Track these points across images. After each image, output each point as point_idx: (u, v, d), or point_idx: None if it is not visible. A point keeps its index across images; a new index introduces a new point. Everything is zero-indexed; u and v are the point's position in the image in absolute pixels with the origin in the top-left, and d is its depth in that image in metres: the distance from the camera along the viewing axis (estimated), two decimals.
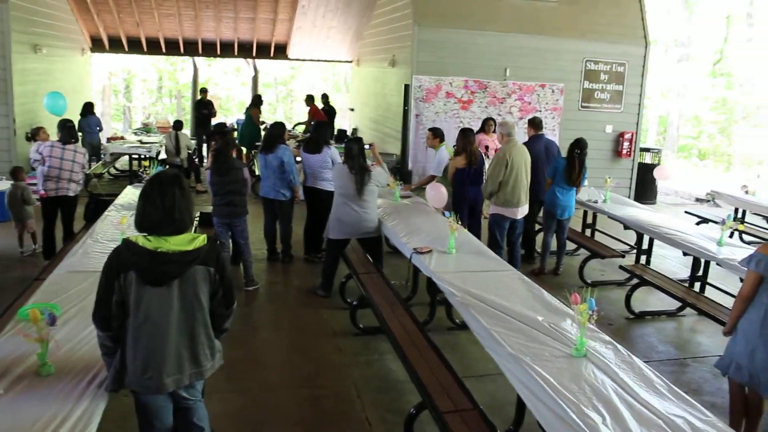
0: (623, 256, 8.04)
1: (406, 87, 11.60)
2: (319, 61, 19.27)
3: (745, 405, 4.45)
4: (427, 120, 11.04)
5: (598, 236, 9.37)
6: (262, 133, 11.63)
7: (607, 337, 3.98)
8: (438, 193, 7.12)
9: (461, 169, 7.43)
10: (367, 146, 7.16)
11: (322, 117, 13.50)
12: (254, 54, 17.73)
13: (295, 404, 4.71)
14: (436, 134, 8.03)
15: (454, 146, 7.87)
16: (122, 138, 15.30)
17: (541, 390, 3.27)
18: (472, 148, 7.44)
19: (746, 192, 10.54)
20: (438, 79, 11.19)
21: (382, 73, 14.05)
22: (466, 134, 7.56)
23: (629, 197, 12.00)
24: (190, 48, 17.28)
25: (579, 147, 7.62)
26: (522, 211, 7.23)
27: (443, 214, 6.37)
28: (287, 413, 4.58)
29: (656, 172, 10.33)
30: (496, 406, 4.54)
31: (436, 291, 5.46)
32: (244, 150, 12.14)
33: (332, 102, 15.20)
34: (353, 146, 6.59)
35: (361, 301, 5.92)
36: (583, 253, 8.29)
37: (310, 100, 14.17)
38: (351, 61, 18.42)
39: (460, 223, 5.79)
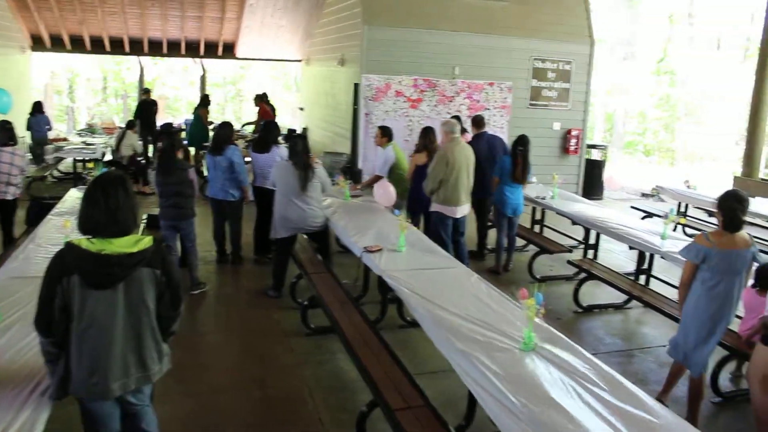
0: (571, 251, 8.16)
1: (356, 86, 11.59)
2: (268, 60, 19.13)
3: (688, 388, 4.76)
4: (377, 119, 11.04)
5: (546, 232, 9.51)
6: (211, 133, 11.49)
7: (555, 331, 4.05)
8: (386, 191, 7.15)
9: (421, 166, 7.46)
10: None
11: (271, 116, 13.39)
12: (202, 53, 17.50)
13: (246, 406, 4.66)
14: (385, 133, 8.04)
15: (416, 144, 7.90)
16: (65, 139, 14.94)
17: (490, 384, 3.30)
18: (433, 146, 7.47)
19: (688, 186, 10.84)
20: (387, 78, 11.21)
21: (332, 72, 14.01)
22: (427, 132, 7.60)
23: (577, 193, 12.19)
24: (136, 47, 16.96)
25: (521, 144, 7.73)
26: (462, 210, 7.25)
27: (393, 212, 6.38)
28: (238, 415, 4.54)
29: (607, 183, 10.72)
30: (448, 402, 4.57)
31: (387, 289, 5.45)
32: (193, 151, 11.98)
33: (272, 101, 15.03)
34: (298, 142, 6.62)
35: (312, 301, 5.89)
36: (533, 248, 8.39)
37: (259, 99, 14.04)
38: (301, 60, 18.32)
39: (410, 220, 5.81)
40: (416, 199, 7.53)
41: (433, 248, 5.88)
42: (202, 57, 17.87)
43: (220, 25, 16.38)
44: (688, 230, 10.26)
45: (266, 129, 7.99)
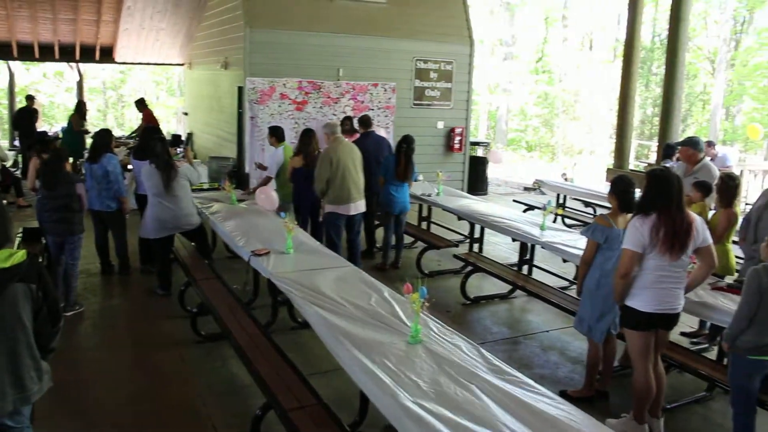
0: (457, 246, 8.43)
1: (240, 89, 11.47)
2: (148, 64, 18.57)
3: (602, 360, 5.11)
4: (263, 122, 10.96)
5: (433, 228, 9.75)
6: (89, 141, 11.05)
7: (443, 323, 4.20)
8: (268, 196, 7.16)
9: (298, 169, 7.49)
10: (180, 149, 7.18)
11: (155, 122, 13.04)
12: (78, 57, 16.76)
13: (136, 421, 4.55)
14: (274, 133, 8.06)
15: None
16: None
17: (379, 380, 3.39)
18: (309, 149, 7.51)
19: (566, 179, 11.38)
20: (272, 81, 11.15)
21: (216, 76, 13.79)
22: (305, 135, 7.64)
23: (462, 189, 12.55)
24: (4, 51, 16.04)
25: (405, 143, 7.92)
26: (356, 207, 7.36)
27: (279, 215, 6.39)
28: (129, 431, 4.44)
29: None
30: (341, 400, 4.62)
31: (277, 292, 5.47)
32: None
33: (151, 105, 14.63)
34: (157, 146, 6.72)
35: (202, 308, 5.82)
36: (421, 245, 8.59)
37: (141, 104, 13.64)
38: (183, 64, 17.90)
39: (297, 223, 5.85)
40: (301, 201, 7.57)
41: (320, 249, 5.95)
42: (78, 61, 17.11)
43: (97, 28, 15.74)
44: (567, 221, 10.80)
45: (146, 135, 7.81)
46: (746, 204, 11.50)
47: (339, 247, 7.25)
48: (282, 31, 11.33)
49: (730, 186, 5.90)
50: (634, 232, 4.23)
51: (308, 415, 3.67)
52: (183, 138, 15.10)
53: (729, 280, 5.53)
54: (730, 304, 4.76)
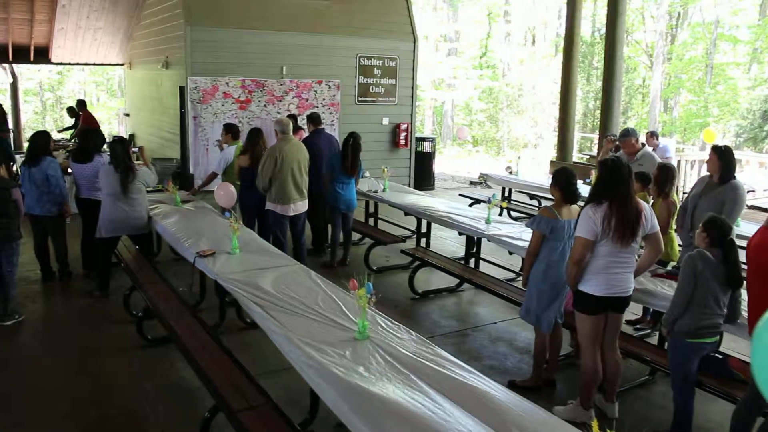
0: (404, 241, 8.47)
1: (182, 89, 11.30)
2: (86, 64, 18.11)
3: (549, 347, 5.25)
4: (206, 122, 10.84)
5: (381, 224, 9.77)
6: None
7: (390, 318, 4.23)
8: (227, 192, 7.06)
9: (246, 168, 7.43)
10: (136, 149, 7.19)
11: (95, 124, 12.76)
12: (10, 58, 16.24)
13: (85, 429, 4.46)
14: (228, 130, 8.00)
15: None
16: None
17: (327, 376, 3.40)
18: (257, 149, 7.46)
19: (510, 172, 11.53)
20: (214, 80, 11.02)
21: (157, 76, 13.55)
22: (253, 134, 7.57)
23: (409, 185, 12.63)
24: None
25: (352, 138, 7.93)
26: (296, 208, 7.33)
27: (223, 214, 6.34)
28: None
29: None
30: (292, 398, 4.61)
31: (225, 293, 5.42)
32: None
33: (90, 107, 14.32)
34: (117, 147, 6.73)
35: (147, 312, 5.72)
36: (368, 241, 8.62)
37: (81, 105, 13.33)
38: (123, 64, 17.54)
39: (243, 222, 5.80)
40: (247, 200, 7.52)
41: (266, 248, 5.92)
42: (10, 62, 16.59)
43: (30, 28, 15.28)
44: (513, 213, 10.96)
45: (85, 138, 7.65)
46: (684, 193, 11.86)
47: (285, 245, 7.22)
48: (223, 29, 11.21)
49: (667, 176, 6.08)
50: (587, 220, 4.34)
51: (258, 415, 3.66)
52: (119, 137, 14.77)
53: (670, 266, 5.69)
54: (669, 290, 4.91)
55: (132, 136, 16.37)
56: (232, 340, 5.38)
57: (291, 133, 7.37)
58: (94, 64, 18.18)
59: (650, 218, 4.44)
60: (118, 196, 6.64)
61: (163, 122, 13.35)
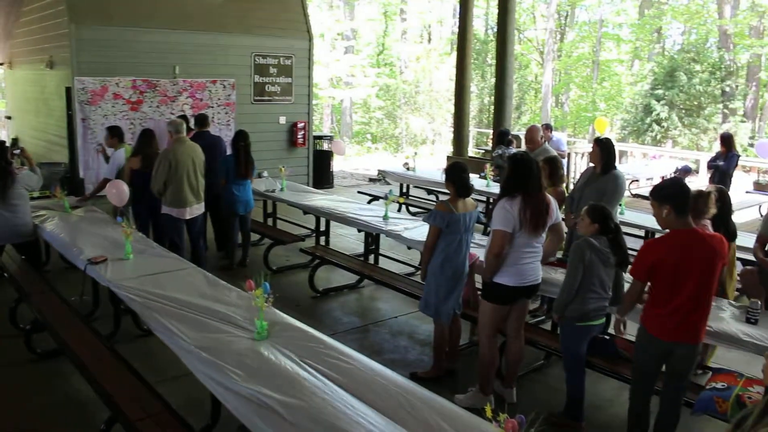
0: (304, 240, 8.47)
1: (68, 90, 10.84)
2: None
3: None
4: (95, 124, 10.45)
5: (279, 224, 9.70)
6: None
7: (291, 317, 4.23)
8: (119, 191, 6.81)
9: (136, 170, 7.23)
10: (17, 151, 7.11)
11: None
12: None
13: None
14: (114, 133, 7.73)
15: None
16: None
17: (226, 380, 3.38)
18: (148, 151, 7.26)
19: (407, 168, 11.70)
20: (103, 80, 10.63)
21: (40, 76, 12.93)
22: (144, 135, 7.37)
23: (308, 184, 12.59)
24: None
25: (242, 139, 7.86)
26: (192, 211, 7.19)
27: (116, 218, 6.17)
28: None
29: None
30: (193, 404, 4.53)
31: (119, 300, 5.26)
32: None
33: None
34: None
35: (36, 324, 5.48)
36: (267, 241, 8.56)
37: None
38: (3, 64, 16.64)
39: (136, 226, 5.66)
40: (140, 204, 7.31)
41: (161, 252, 5.79)
42: None
43: None
44: (412, 209, 11.13)
45: None
46: (573, 184, 12.37)
47: (182, 249, 7.08)
48: (112, 28, 10.82)
49: (553, 167, 6.37)
50: (504, 213, 4.50)
51: (156, 423, 3.60)
52: (7, 144, 14.05)
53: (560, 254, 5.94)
54: (561, 277, 5.13)
55: (15, 140, 15.56)
56: (129, 349, 5.23)
57: (185, 134, 7.23)
58: None
59: (555, 210, 4.72)
60: None
61: (49, 125, 12.75)
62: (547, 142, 11.50)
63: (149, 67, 11.19)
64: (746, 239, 6.11)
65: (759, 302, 4.64)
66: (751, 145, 22.82)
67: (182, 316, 4.22)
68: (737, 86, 24.66)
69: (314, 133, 13.98)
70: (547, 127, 12.35)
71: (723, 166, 10.39)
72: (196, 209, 7.22)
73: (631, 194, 12.47)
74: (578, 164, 14.19)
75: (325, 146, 14.23)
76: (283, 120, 13.00)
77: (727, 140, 10.71)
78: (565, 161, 10.78)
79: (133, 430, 3.53)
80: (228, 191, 7.82)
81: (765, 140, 16.18)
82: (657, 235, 5.03)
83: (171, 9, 11.47)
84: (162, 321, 4.16)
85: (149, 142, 7.32)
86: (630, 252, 4.51)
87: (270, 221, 9.78)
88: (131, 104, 10.91)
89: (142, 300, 4.51)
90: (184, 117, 9.02)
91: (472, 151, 19.78)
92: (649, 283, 3.95)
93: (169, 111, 11.22)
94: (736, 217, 7.50)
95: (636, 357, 4.15)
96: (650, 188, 4.13)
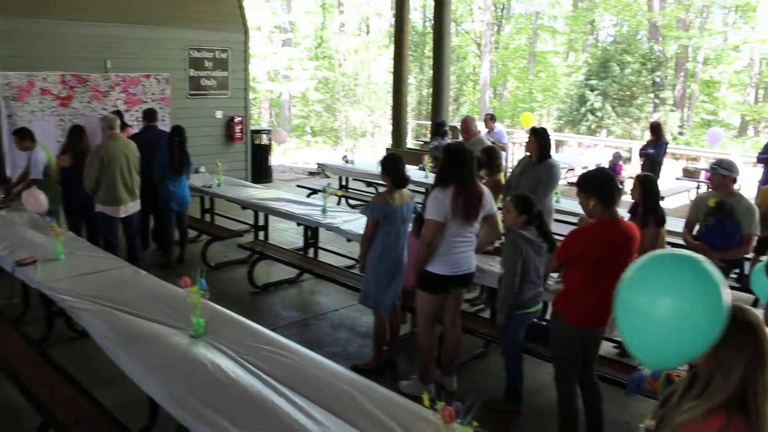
0: (242, 235, 8.41)
1: None
2: None
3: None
4: (22, 120, 10.08)
5: (217, 219, 9.59)
6: None
7: (230, 313, 4.20)
8: (36, 199, 6.62)
9: (66, 168, 7.03)
10: None
11: None
12: None
13: None
14: (24, 135, 7.42)
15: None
16: None
17: (163, 381, 3.33)
18: (78, 148, 7.06)
19: (346, 161, 11.70)
20: (30, 75, 10.27)
21: None
22: (73, 132, 7.18)
23: (246, 179, 12.46)
24: None
25: (177, 135, 7.74)
26: (127, 209, 7.04)
27: (44, 219, 6.00)
28: None
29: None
30: (131, 407, 4.40)
31: (50, 302, 5.11)
32: None
33: None
34: None
35: None
36: (205, 237, 8.44)
37: None
38: None
39: (67, 225, 5.51)
40: (72, 202, 7.11)
41: (94, 252, 5.66)
42: None
43: None
44: (351, 201, 11.14)
45: None
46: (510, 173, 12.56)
47: (117, 247, 6.92)
48: (38, 20, 10.45)
49: (491, 157, 6.48)
50: (437, 203, 4.53)
51: (91, 427, 3.55)
52: None
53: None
54: (496, 265, 5.21)
55: None
56: (63, 352, 5.12)
57: (118, 130, 7.06)
58: None
59: (489, 200, 4.76)
60: None
61: None
62: (489, 132, 11.68)
63: (79, 61, 10.86)
64: (676, 224, 6.30)
65: None
66: (681, 134, 23.59)
67: (115, 315, 4.13)
68: (666, 76, 25.39)
69: (252, 127, 13.82)
70: (491, 118, 12.50)
71: (653, 153, 10.71)
72: (131, 207, 7.07)
73: (568, 183, 12.74)
74: (516, 154, 14.43)
75: (264, 140, 14.08)
76: (219, 114, 12.81)
77: (656, 129, 11.06)
78: (504, 154, 10.93)
79: None
80: (164, 188, 7.68)
81: (716, 128, 16.75)
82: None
83: (101, 1, 11.16)
84: (95, 322, 4.07)
85: (79, 138, 7.12)
86: (558, 238, 4.60)
87: (208, 217, 9.67)
88: (60, 100, 10.58)
89: (75, 301, 4.39)
90: (118, 112, 8.80)
91: (411, 142, 19.89)
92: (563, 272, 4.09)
93: (101, 107, 10.91)
94: (667, 203, 7.77)
95: (556, 346, 4.23)
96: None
